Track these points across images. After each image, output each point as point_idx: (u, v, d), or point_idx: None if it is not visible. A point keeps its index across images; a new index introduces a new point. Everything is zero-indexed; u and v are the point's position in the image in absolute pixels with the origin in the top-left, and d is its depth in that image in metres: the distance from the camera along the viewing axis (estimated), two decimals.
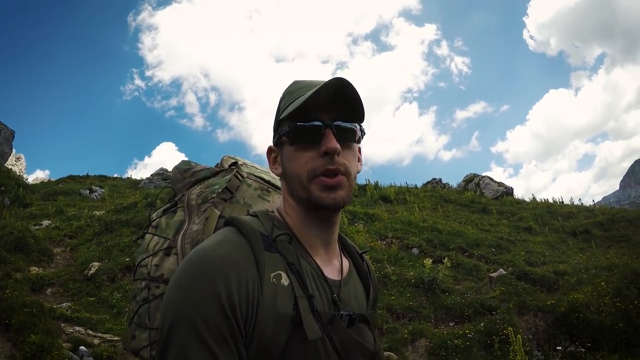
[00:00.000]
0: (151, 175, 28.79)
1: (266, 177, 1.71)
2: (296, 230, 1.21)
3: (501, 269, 10.53)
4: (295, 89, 1.21)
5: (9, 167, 28.45)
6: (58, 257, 13.22)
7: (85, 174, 29.83)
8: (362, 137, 1.24)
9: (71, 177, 28.82)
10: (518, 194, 25.91)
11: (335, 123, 1.15)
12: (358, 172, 1.24)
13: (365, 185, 23.87)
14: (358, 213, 16.18)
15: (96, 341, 7.69)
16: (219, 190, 1.59)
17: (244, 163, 1.80)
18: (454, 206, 20.93)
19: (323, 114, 1.15)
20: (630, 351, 6.90)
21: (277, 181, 1.66)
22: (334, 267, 1.26)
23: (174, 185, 1.84)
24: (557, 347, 7.10)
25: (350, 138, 1.18)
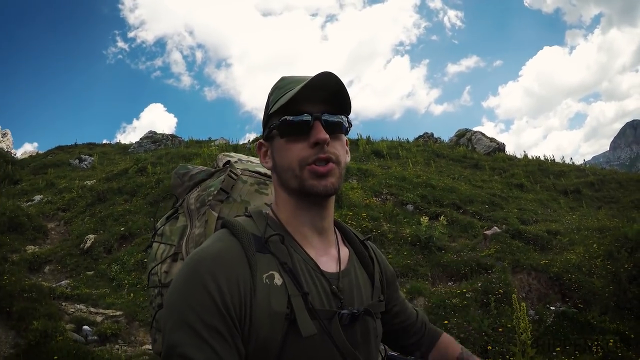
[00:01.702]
0: (140, 139, 28.59)
1: (262, 170, 1.76)
2: (289, 224, 1.24)
3: (495, 227, 10.68)
4: (283, 84, 1.25)
5: None
6: (53, 233, 13.27)
7: (73, 144, 29.64)
8: (349, 129, 1.28)
9: (59, 148, 28.58)
10: (509, 149, 26.10)
11: (324, 116, 1.19)
12: (346, 163, 1.27)
13: (357, 139, 23.89)
14: (351, 169, 16.11)
15: (99, 318, 7.75)
16: (215, 192, 1.65)
17: (238, 159, 1.85)
18: (446, 161, 21.01)
19: (311, 107, 1.19)
20: (619, 313, 7.13)
21: None
22: (331, 257, 1.28)
23: (175, 190, 1.91)
24: (551, 307, 7.33)
25: (338, 129, 1.23)
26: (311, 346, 1.08)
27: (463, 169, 19.65)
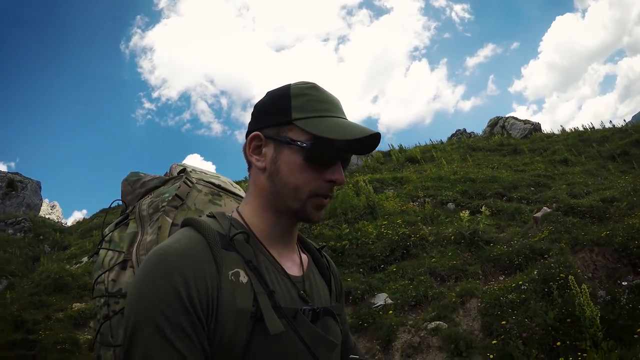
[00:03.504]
0: None
1: (216, 182, 1.70)
2: (257, 228, 1.21)
3: (545, 207, 9.93)
4: (317, 98, 1.20)
5: (45, 217, 31.77)
6: None
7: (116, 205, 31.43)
8: None
9: (103, 211, 30.52)
10: (546, 128, 25.20)
11: (347, 157, 1.23)
12: None
13: (390, 150, 23.45)
14: (386, 179, 15.53)
15: None
16: (169, 198, 1.58)
17: (193, 169, 1.80)
18: (483, 153, 20.27)
19: (342, 146, 1.19)
20: None
21: (228, 185, 1.68)
22: (294, 262, 1.27)
23: (125, 197, 1.83)
24: (623, 283, 6.46)
25: (345, 168, 1.25)
26: (277, 344, 1.05)
27: (502, 157, 18.88)
